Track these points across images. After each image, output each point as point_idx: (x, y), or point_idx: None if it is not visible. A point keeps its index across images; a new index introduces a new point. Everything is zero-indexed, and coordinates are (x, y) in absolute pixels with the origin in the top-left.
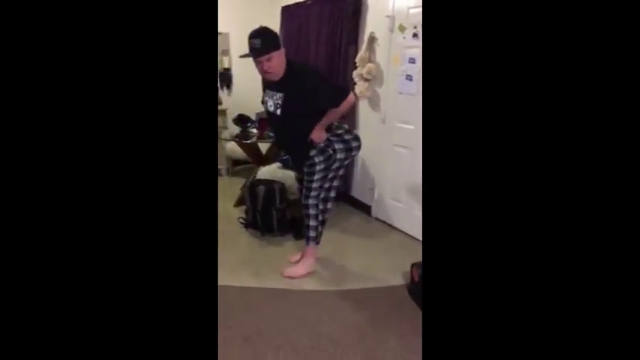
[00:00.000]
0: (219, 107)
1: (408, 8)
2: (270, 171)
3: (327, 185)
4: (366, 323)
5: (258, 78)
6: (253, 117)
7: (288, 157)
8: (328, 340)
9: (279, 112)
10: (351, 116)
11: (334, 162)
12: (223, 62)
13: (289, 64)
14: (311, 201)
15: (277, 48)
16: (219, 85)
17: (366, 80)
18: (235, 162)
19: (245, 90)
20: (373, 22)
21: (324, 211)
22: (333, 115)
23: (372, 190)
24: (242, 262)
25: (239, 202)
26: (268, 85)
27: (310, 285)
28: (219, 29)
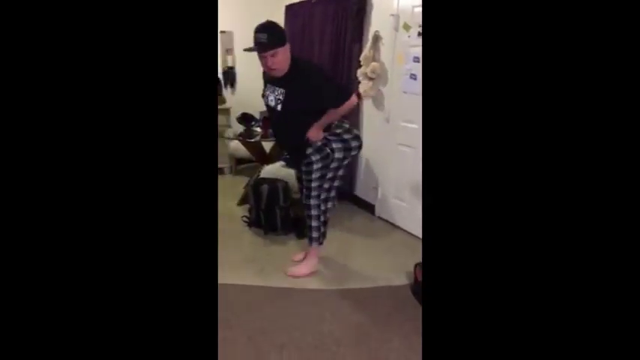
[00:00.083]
0: (223, 106)
1: (413, 7)
2: (273, 170)
3: (327, 185)
4: (369, 323)
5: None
6: (257, 116)
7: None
8: (331, 339)
9: (279, 107)
10: (354, 115)
11: (332, 161)
12: (227, 61)
13: (294, 61)
14: (312, 201)
15: (283, 44)
16: (222, 83)
17: (370, 79)
18: (239, 160)
19: (249, 89)
20: (378, 21)
21: (326, 211)
22: (332, 115)
23: (376, 189)
24: (245, 261)
25: (242, 201)
26: (270, 80)
27: (314, 284)
28: (224, 28)
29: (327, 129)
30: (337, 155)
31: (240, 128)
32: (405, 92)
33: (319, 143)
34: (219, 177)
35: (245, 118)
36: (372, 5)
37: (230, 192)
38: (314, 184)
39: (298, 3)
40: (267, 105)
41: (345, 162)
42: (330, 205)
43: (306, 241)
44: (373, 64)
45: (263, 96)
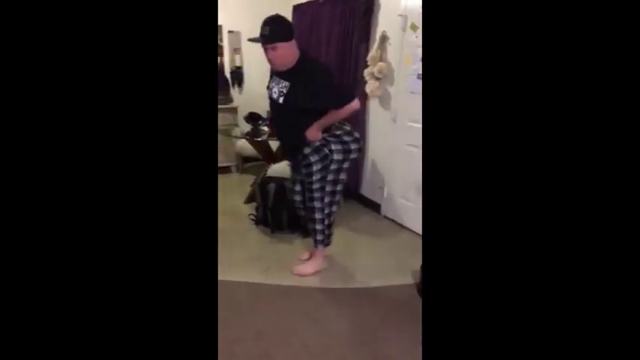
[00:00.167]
0: (231, 105)
1: (421, 7)
2: (280, 168)
3: (329, 188)
4: (375, 322)
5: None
6: (264, 115)
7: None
8: (337, 338)
9: (281, 100)
10: (361, 115)
11: (331, 163)
12: (235, 60)
13: (303, 57)
14: (316, 204)
15: (285, 39)
16: (230, 83)
17: (377, 79)
18: (246, 159)
19: (256, 88)
20: (385, 21)
21: (330, 214)
22: (332, 117)
23: (382, 188)
24: (252, 259)
25: (249, 199)
26: (277, 72)
27: (320, 283)
28: (232, 28)
29: (327, 130)
30: (336, 157)
31: (247, 127)
32: (411, 92)
33: (317, 143)
34: (227, 175)
35: (252, 117)
36: (379, 5)
37: (237, 190)
38: (315, 186)
39: (306, 3)
40: (271, 97)
41: (345, 164)
42: (334, 208)
43: (311, 240)
44: (380, 64)
45: (268, 88)
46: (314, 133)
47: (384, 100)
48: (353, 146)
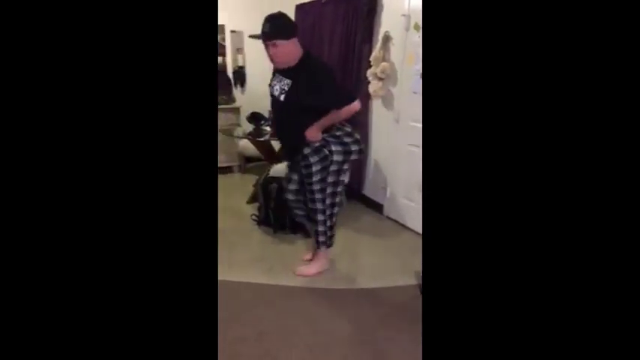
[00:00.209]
0: (233, 105)
1: None
2: (283, 169)
3: (330, 190)
4: (377, 322)
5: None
6: (267, 115)
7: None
8: (340, 338)
9: (282, 97)
10: (363, 115)
11: (331, 163)
12: (238, 60)
13: (306, 55)
14: (317, 205)
15: (286, 37)
16: (233, 82)
17: (380, 79)
18: (248, 159)
19: (259, 88)
20: (388, 21)
21: (332, 215)
22: (332, 117)
23: (385, 189)
24: (254, 259)
25: (252, 199)
26: (279, 70)
27: (322, 283)
28: (234, 27)
29: (327, 131)
30: (336, 158)
31: (249, 127)
32: (414, 92)
33: (317, 144)
34: (229, 175)
35: (255, 117)
36: (382, 5)
37: (239, 190)
38: (315, 187)
39: (309, 3)
40: (272, 95)
41: (346, 166)
42: (336, 209)
43: (314, 240)
44: (383, 64)
45: (270, 85)
46: (314, 134)
47: (387, 101)
48: (353, 147)
